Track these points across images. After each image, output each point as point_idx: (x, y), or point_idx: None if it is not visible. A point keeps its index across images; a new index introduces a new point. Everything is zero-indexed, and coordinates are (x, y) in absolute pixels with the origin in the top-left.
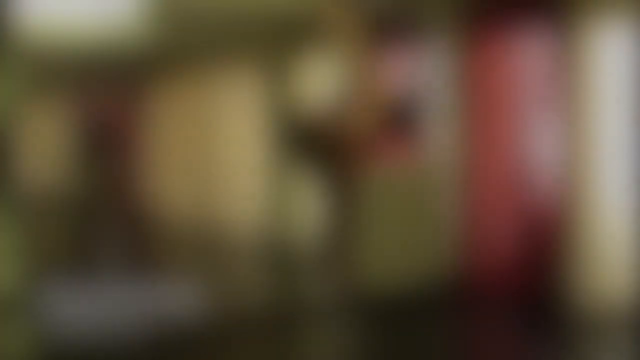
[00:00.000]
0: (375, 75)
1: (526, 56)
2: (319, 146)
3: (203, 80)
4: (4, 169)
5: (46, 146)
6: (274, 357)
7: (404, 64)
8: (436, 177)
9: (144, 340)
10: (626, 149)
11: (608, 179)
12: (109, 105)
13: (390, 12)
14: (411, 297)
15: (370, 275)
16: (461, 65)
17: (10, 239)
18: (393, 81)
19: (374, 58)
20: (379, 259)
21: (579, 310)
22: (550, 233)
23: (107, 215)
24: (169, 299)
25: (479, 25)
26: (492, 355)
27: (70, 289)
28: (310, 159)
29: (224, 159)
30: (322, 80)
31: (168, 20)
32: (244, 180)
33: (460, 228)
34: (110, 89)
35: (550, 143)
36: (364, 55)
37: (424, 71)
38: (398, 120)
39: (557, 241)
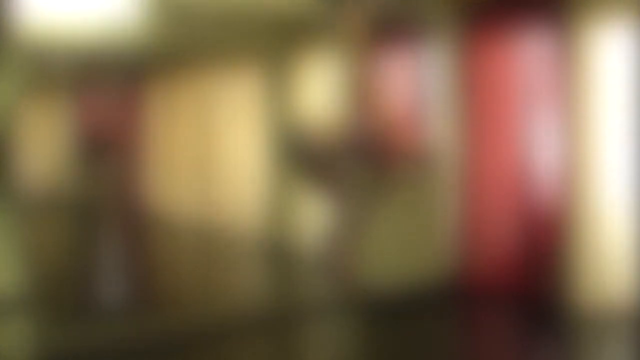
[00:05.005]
0: (376, 77)
1: (526, 56)
2: (319, 149)
3: (204, 82)
4: (4, 169)
5: (45, 146)
6: (274, 358)
7: (404, 65)
8: (438, 177)
9: (145, 339)
10: (626, 149)
11: (608, 179)
12: (107, 106)
13: (391, 14)
14: (412, 297)
15: (370, 276)
16: (462, 66)
17: (10, 240)
18: (393, 84)
19: (375, 59)
20: (380, 259)
21: (579, 310)
22: (550, 233)
23: (106, 216)
24: (169, 299)
25: (479, 25)
26: (493, 355)
27: (70, 289)
28: (311, 160)
29: (224, 161)
30: (323, 82)
31: (169, 20)
32: (244, 182)
33: (460, 228)
34: (108, 91)
35: (550, 143)
36: (364, 56)
37: (424, 72)
38: (399, 123)
39: (557, 241)
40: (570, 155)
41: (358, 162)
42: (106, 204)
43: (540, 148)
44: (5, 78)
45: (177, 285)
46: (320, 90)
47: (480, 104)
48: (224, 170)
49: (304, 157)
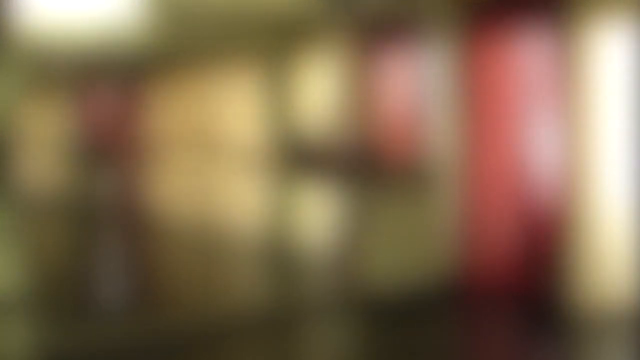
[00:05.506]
0: (375, 77)
1: (526, 56)
2: (319, 149)
3: (204, 82)
4: (4, 169)
5: (45, 146)
6: (275, 358)
7: (403, 65)
8: (437, 178)
9: (147, 341)
10: (626, 149)
11: (608, 179)
12: (108, 106)
13: (389, 14)
14: (412, 298)
15: (371, 276)
16: (461, 66)
17: (10, 240)
18: (392, 84)
19: (374, 60)
20: (381, 260)
21: (579, 310)
22: (550, 233)
23: (106, 215)
24: (168, 299)
25: (479, 26)
26: (493, 356)
27: (70, 289)
28: (311, 162)
29: (225, 161)
30: (323, 82)
31: (167, 20)
32: (244, 182)
33: (460, 229)
34: (107, 91)
35: (550, 143)
36: (364, 57)
37: (424, 72)
38: (398, 123)
39: (557, 241)
40: (570, 156)
41: (358, 162)
42: (106, 204)
43: (541, 148)
44: (6, 78)
45: (177, 285)
46: (320, 90)
47: (480, 104)
48: (224, 170)
49: (304, 158)
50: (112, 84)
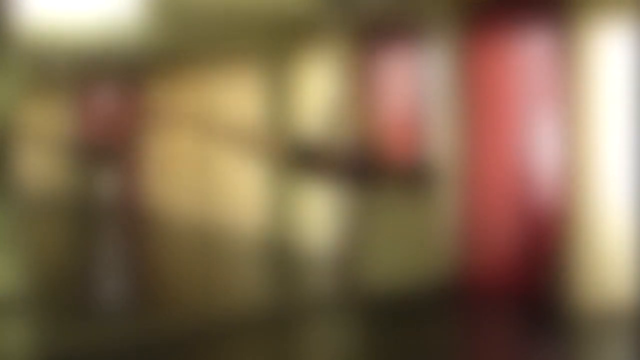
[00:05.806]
0: (375, 77)
1: (526, 56)
2: (320, 149)
3: (204, 82)
4: (4, 169)
5: (45, 146)
6: (276, 358)
7: (404, 65)
8: (438, 177)
9: (147, 341)
10: (626, 149)
11: (608, 179)
12: (108, 105)
13: (390, 14)
14: (412, 298)
15: (371, 276)
16: (461, 66)
17: (10, 240)
18: (393, 84)
19: (373, 60)
20: (381, 260)
21: (579, 310)
22: (550, 233)
23: (107, 215)
24: (167, 298)
25: (479, 26)
26: (493, 356)
27: (70, 289)
28: (311, 161)
29: (225, 161)
30: (323, 82)
31: (167, 20)
32: (244, 182)
33: (461, 229)
34: (109, 90)
35: (550, 143)
36: (364, 57)
37: (424, 72)
38: (398, 123)
39: (557, 241)
40: (570, 156)
41: (358, 162)
42: (106, 204)
43: (541, 148)
44: (6, 78)
45: (177, 284)
46: (320, 90)
47: (480, 104)
48: (224, 171)
49: (305, 158)
50: (113, 83)
